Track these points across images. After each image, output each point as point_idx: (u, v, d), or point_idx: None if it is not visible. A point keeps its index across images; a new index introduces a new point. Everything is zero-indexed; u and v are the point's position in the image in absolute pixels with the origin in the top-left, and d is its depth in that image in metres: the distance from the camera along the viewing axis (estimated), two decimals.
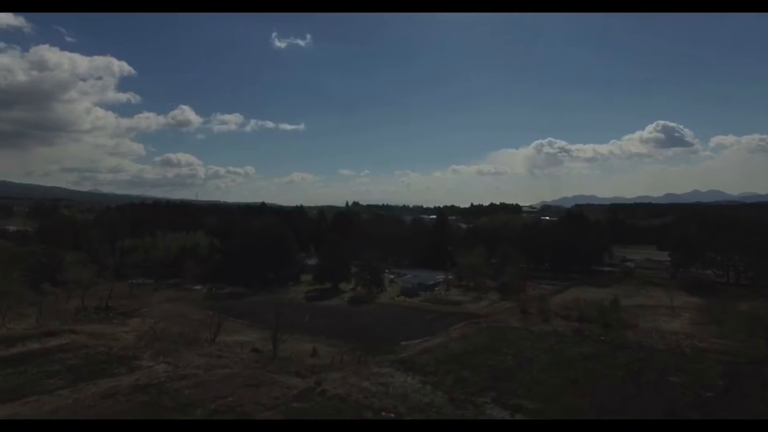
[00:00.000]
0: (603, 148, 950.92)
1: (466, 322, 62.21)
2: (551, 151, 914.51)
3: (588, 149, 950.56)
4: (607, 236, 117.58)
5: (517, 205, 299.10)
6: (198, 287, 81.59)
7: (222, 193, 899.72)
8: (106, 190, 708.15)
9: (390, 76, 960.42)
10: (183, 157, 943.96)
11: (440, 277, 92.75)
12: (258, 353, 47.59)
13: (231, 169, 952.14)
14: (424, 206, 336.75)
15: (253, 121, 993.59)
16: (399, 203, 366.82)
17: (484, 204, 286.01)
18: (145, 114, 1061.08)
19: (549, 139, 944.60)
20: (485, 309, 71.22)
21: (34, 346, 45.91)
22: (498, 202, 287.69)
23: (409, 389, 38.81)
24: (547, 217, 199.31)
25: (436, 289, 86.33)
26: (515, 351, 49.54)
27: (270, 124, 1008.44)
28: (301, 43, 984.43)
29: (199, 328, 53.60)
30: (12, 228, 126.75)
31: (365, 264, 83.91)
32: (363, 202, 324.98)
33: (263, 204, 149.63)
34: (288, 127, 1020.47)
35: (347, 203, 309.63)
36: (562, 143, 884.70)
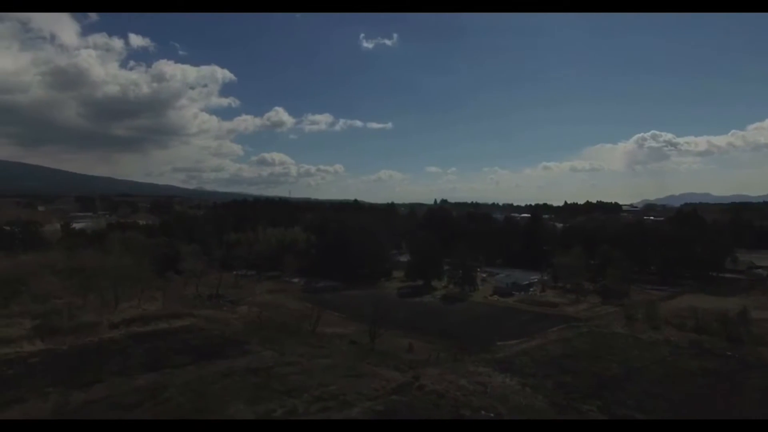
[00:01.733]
0: (720, 140, 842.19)
1: (564, 325, 59.40)
2: (655, 145, 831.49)
3: (701, 142, 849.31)
4: (728, 239, 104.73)
5: (615, 203, 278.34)
6: (295, 280, 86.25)
7: (313, 191, 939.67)
8: (209, 187, 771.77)
9: (477, 74, 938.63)
10: (277, 156, 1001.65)
11: (535, 277, 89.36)
12: (355, 345, 49.23)
13: (321, 167, 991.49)
14: (514, 204, 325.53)
15: (342, 121, 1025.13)
16: (487, 201, 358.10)
17: (578, 202, 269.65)
18: (244, 117, 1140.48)
19: (652, 132, 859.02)
20: (585, 312, 67.45)
21: (163, 326, 51.51)
22: (594, 200, 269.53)
23: (508, 390, 38.01)
24: (652, 217, 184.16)
25: (531, 289, 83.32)
26: (621, 359, 46.35)
27: (358, 123, 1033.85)
28: (388, 42, 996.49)
29: (299, 319, 56.63)
30: (141, 222, 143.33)
31: (457, 262, 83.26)
32: (451, 200, 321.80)
33: (356, 201, 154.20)
34: (376, 125, 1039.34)
35: (435, 201, 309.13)
36: (668, 136, 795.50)
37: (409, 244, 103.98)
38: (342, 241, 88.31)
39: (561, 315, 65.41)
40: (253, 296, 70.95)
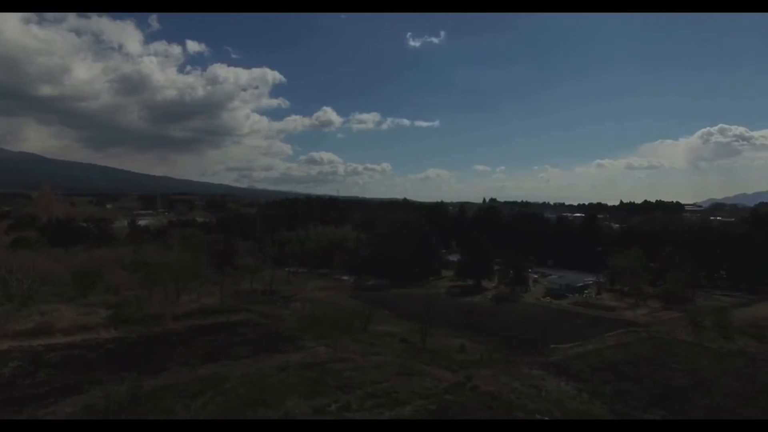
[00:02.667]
0: None
1: (622, 330, 57.02)
2: (723, 140, 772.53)
3: None
4: None
5: (677, 202, 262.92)
6: (345, 278, 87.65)
7: (360, 189, 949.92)
8: (260, 186, 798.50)
9: (526, 70, 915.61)
10: (325, 155, 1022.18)
11: (589, 279, 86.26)
12: (406, 344, 49.44)
13: (369, 166, 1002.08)
14: (566, 203, 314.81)
15: (389, 119, 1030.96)
16: (538, 200, 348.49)
17: (635, 201, 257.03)
18: (293, 117, 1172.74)
19: (720, 125, 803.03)
20: (644, 317, 64.39)
21: (221, 319, 54.00)
22: (653, 199, 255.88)
23: (563, 395, 37.04)
24: (719, 217, 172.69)
25: (586, 291, 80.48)
26: (688, 368, 43.89)
27: (406, 122, 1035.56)
28: (435, 40, 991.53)
29: (351, 316, 57.47)
30: (199, 219, 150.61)
31: (508, 262, 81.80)
32: (500, 199, 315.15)
33: (405, 200, 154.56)
34: (423, 124, 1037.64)
35: (484, 199, 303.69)
36: (739, 130, 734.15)
37: (459, 244, 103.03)
38: (391, 239, 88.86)
39: (618, 319, 62.78)
40: (305, 293, 72.69)
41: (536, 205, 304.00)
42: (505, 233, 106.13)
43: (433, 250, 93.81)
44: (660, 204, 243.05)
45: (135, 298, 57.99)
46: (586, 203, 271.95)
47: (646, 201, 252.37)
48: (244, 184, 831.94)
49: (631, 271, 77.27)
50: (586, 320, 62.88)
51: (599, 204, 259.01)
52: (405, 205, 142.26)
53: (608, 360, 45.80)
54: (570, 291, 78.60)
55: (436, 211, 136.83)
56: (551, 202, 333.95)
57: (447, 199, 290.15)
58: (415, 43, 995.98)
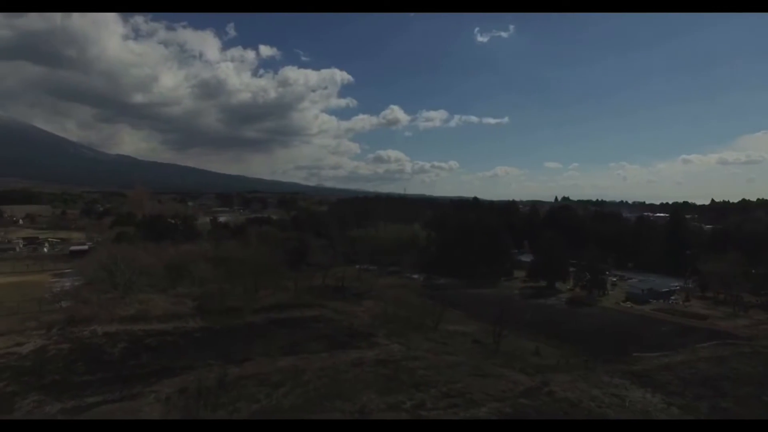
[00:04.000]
0: None
1: (718, 342, 52.46)
2: None
3: None
4: None
5: None
6: (415, 276, 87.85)
7: (427, 187, 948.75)
8: (328, 184, 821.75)
9: (600, 62, 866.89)
10: (392, 153, 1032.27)
11: (676, 284, 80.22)
12: (479, 345, 48.78)
13: (436, 163, 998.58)
14: (647, 202, 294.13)
15: (456, 117, 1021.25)
16: (614, 198, 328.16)
17: (731, 200, 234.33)
18: (361, 116, 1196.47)
19: None
20: (745, 329, 58.67)
21: (296, 314, 56.19)
22: (754, 198, 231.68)
23: (650, 407, 34.85)
24: None
25: (672, 298, 74.91)
26: None
27: (473, 119, 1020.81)
28: (504, 35, 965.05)
29: (422, 315, 57.58)
30: (274, 217, 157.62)
31: (584, 264, 78.04)
32: (573, 197, 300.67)
33: (475, 198, 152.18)
34: (492, 121, 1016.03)
35: (556, 198, 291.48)
36: None
37: (532, 244, 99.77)
38: (461, 238, 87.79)
39: (712, 329, 57.84)
40: (376, 290, 73.70)
41: (613, 203, 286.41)
42: (581, 233, 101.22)
43: (504, 249, 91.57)
44: (762, 203, 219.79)
45: (218, 290, 61.75)
46: (670, 202, 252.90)
47: (744, 200, 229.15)
48: (312, 182, 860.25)
49: (728, 277, 70.64)
50: (673, 329, 58.56)
51: (685, 203, 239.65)
52: (475, 203, 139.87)
53: (702, 374, 42.40)
54: (653, 296, 73.47)
55: (507, 209, 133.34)
56: (629, 201, 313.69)
57: (516, 198, 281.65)
58: (483, 39, 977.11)
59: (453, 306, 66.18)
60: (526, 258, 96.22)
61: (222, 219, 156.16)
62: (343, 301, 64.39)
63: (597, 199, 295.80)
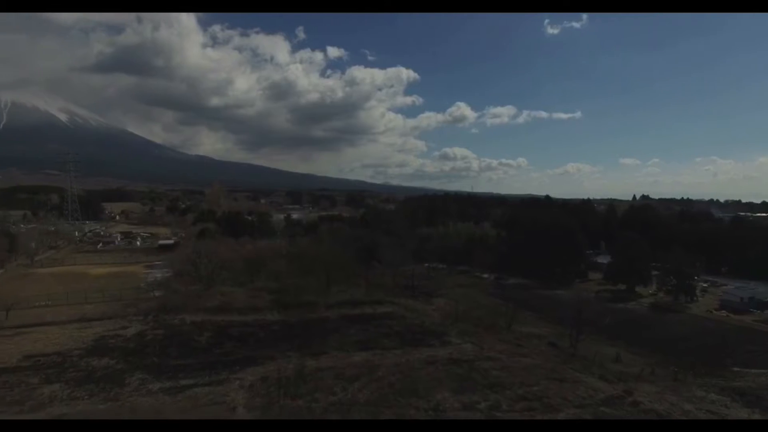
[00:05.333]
0: None
1: None
2: None
3: None
4: None
5: None
6: (485, 275, 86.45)
7: (495, 185, 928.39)
8: (394, 182, 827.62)
9: (683, 48, 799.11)
10: (458, 151, 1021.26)
11: None
12: (555, 348, 47.17)
13: (503, 161, 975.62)
14: (743, 201, 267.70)
15: (525, 113, 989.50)
16: (702, 196, 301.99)
17: None
18: (427, 114, 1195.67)
19: None
20: None
21: (368, 310, 57.24)
22: None
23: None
24: None
25: None
26: None
27: (543, 114, 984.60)
28: (576, 25, 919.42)
29: (494, 315, 56.61)
30: (345, 214, 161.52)
31: (669, 267, 72.77)
32: (652, 195, 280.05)
33: (547, 197, 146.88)
34: (563, 116, 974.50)
35: (634, 196, 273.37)
36: None
37: (609, 244, 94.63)
38: (533, 238, 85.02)
39: None
40: (445, 289, 73.36)
41: (701, 202, 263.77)
42: (664, 234, 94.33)
43: (579, 250, 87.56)
44: None
45: (293, 285, 64.30)
46: None
47: None
48: (379, 180, 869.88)
49: None
50: None
51: None
52: (547, 202, 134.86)
53: None
54: (755, 306, 66.64)
55: (581, 208, 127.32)
56: (721, 200, 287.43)
57: (589, 196, 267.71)
58: (553, 30, 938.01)
59: (525, 307, 64.46)
60: (603, 259, 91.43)
61: (294, 216, 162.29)
62: (413, 299, 64.68)
63: (682, 197, 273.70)
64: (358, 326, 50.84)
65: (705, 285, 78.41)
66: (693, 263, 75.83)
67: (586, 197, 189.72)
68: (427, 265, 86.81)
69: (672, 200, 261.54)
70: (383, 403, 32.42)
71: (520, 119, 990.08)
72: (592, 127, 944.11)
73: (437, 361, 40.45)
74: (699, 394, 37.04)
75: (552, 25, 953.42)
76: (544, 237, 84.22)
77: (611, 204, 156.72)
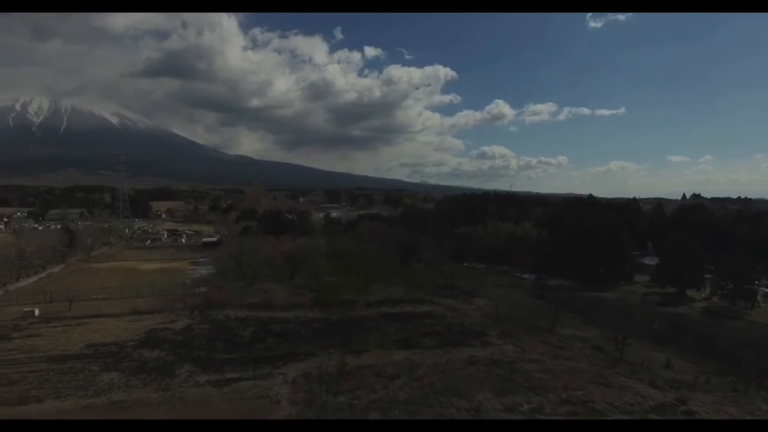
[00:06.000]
0: None
1: None
2: None
3: None
4: None
5: None
6: (525, 276, 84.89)
7: (534, 184, 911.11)
8: (431, 181, 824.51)
9: (741, 32, 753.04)
10: (497, 149, 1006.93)
11: None
12: (600, 352, 45.76)
13: (543, 159, 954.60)
14: None
15: (566, 110, 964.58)
16: (762, 195, 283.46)
17: None
18: (464, 112, 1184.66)
19: None
20: None
21: (408, 309, 57.31)
22: None
23: None
24: None
25: None
26: None
27: (585, 111, 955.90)
28: (621, 17, 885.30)
29: (535, 316, 55.46)
30: (384, 213, 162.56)
31: (725, 270, 69.10)
32: (704, 194, 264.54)
33: (591, 196, 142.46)
34: (606, 112, 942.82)
35: (684, 195, 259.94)
36: None
37: (656, 245, 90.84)
38: (576, 238, 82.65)
39: None
40: (484, 289, 72.55)
41: (761, 201, 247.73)
42: (719, 235, 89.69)
43: (624, 251, 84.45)
44: None
45: (333, 283, 65.17)
46: None
47: None
48: (416, 179, 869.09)
49: None
50: None
51: None
52: (590, 201, 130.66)
53: None
54: None
55: (626, 207, 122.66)
56: None
57: (633, 194, 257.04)
58: (596, 24, 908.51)
59: (567, 309, 62.79)
60: (650, 261, 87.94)
61: (333, 215, 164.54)
62: (453, 299, 64.28)
63: (739, 197, 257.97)
64: (398, 325, 50.97)
65: (767, 290, 73.84)
66: (753, 266, 71.65)
67: (630, 196, 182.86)
68: (466, 264, 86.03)
69: (727, 199, 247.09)
70: (424, 402, 32.37)
71: (561, 116, 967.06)
72: (638, 124, 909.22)
73: (478, 362, 40.03)
74: (764, 407, 34.94)
75: (594, 19, 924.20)
76: (587, 237, 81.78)
77: (658, 203, 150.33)
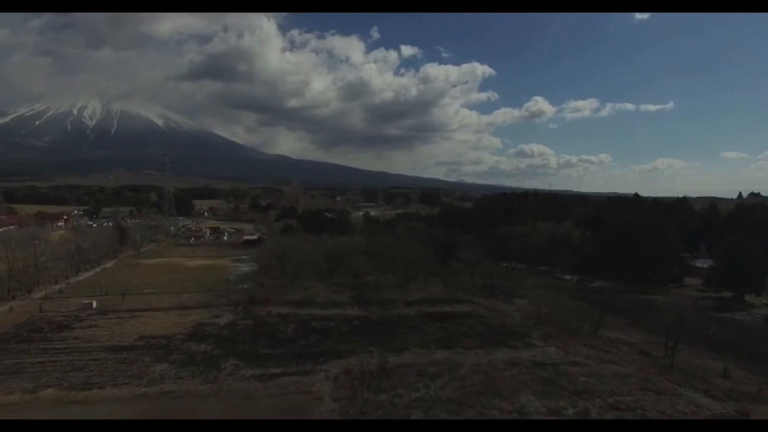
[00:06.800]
0: None
1: None
2: None
3: None
4: None
5: None
6: (567, 277, 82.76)
7: (575, 182, 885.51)
8: (468, 180, 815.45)
9: None
10: (535, 147, 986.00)
11: None
12: (648, 357, 44.08)
13: (584, 157, 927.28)
14: None
15: (609, 105, 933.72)
16: None
17: None
18: (502, 110, 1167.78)
19: None
20: None
21: (447, 309, 57.03)
22: None
23: None
24: None
25: None
26: None
27: (629, 107, 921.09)
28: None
29: (579, 318, 53.97)
30: (422, 212, 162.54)
31: None
32: (764, 193, 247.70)
33: (637, 195, 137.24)
34: (652, 107, 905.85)
35: (740, 194, 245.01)
36: None
37: (710, 247, 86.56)
38: (621, 238, 79.76)
39: None
40: (525, 290, 71.09)
41: None
42: None
43: (673, 253, 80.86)
44: None
45: (372, 282, 65.55)
46: None
47: None
48: (452, 177, 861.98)
49: None
50: None
51: None
52: (636, 200, 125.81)
53: None
54: None
55: (676, 207, 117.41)
56: None
57: (682, 193, 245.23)
58: (641, 15, 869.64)
59: (612, 311, 60.74)
60: (702, 263, 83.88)
61: (372, 213, 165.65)
62: (493, 299, 63.46)
63: None
64: (438, 324, 50.76)
65: None
66: None
67: (678, 195, 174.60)
68: (505, 264, 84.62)
69: None
70: (466, 402, 32.11)
71: (604, 112, 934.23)
72: (688, 119, 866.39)
73: (520, 363, 39.37)
74: None
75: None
76: (633, 238, 78.80)
77: (711, 202, 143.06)
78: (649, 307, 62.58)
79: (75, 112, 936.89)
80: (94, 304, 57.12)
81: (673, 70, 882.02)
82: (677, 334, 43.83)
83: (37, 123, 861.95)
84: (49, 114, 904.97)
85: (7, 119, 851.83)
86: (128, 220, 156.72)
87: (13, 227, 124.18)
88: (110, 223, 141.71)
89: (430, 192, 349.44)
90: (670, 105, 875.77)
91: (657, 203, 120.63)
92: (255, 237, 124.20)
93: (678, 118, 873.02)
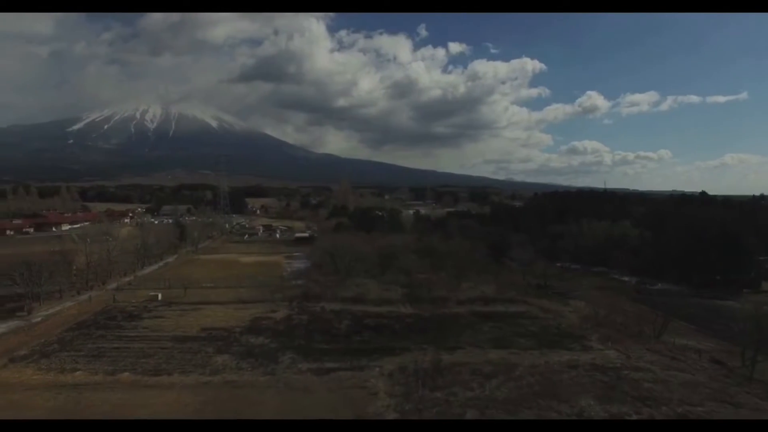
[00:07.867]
0: None
1: None
2: None
3: None
4: None
5: None
6: (625, 279, 79.27)
7: (631, 180, 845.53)
8: (517, 178, 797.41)
9: None
10: (589, 144, 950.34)
11: None
12: (721, 366, 41.45)
13: (641, 153, 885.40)
14: None
15: (670, 98, 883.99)
16: None
17: None
18: (554, 106, 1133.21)
19: None
20: None
21: (500, 308, 56.10)
22: None
23: None
24: None
25: None
26: None
27: (694, 99, 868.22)
28: None
29: (640, 322, 51.63)
30: (473, 211, 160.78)
31: None
32: None
33: (703, 193, 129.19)
34: (721, 99, 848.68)
35: None
36: None
37: None
38: (686, 239, 75.40)
39: None
40: (581, 290, 68.86)
41: None
42: None
43: (747, 255, 75.47)
44: None
45: (424, 280, 65.52)
46: None
47: None
48: (501, 176, 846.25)
49: None
50: None
51: None
52: (703, 198, 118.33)
53: None
54: None
55: (751, 206, 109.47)
56: None
57: (757, 191, 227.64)
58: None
59: (676, 316, 57.50)
60: None
61: (422, 212, 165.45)
62: (547, 299, 61.84)
63: None
64: (491, 324, 50.06)
65: None
66: None
67: (751, 193, 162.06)
68: (559, 264, 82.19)
69: None
70: (523, 403, 31.49)
71: (664, 106, 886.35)
72: (764, 110, 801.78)
73: (579, 366, 38.11)
74: None
75: None
76: (699, 238, 74.29)
77: None
78: (719, 313, 59.07)
79: (138, 115, 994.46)
80: (160, 296, 60.58)
81: (742, 58, 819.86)
82: (758, 343, 40.88)
83: (105, 127, 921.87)
84: (115, 118, 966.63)
85: (81, 124, 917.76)
86: (186, 218, 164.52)
87: (87, 224, 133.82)
88: (170, 221, 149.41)
89: (479, 190, 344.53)
90: (743, 95, 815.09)
91: (727, 201, 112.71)
92: (306, 234, 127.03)
93: (752, 109, 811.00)
